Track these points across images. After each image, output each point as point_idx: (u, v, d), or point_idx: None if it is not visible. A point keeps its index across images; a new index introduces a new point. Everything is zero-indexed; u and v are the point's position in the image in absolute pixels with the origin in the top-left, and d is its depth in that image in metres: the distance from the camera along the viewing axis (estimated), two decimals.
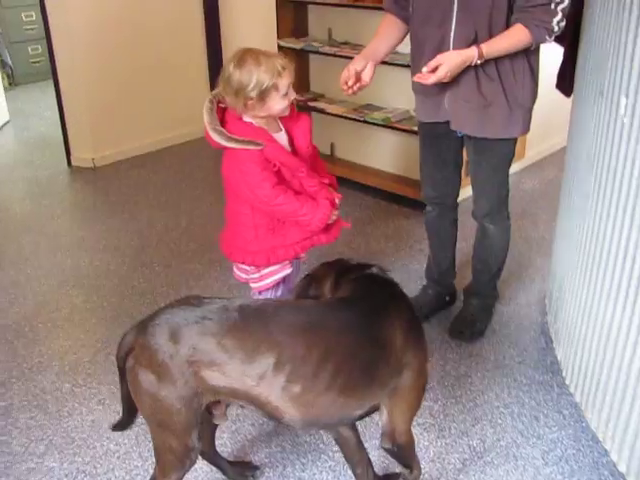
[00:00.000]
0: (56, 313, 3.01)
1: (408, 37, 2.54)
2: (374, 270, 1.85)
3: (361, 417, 1.77)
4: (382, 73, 3.93)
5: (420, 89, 2.47)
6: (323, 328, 1.66)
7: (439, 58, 2.19)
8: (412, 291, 2.93)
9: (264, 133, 2.20)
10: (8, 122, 5.77)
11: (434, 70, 2.19)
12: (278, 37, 4.15)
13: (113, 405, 2.44)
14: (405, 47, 3.73)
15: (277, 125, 2.29)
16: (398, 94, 3.95)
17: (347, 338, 1.65)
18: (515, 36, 2.21)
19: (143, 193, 4.28)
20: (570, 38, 2.76)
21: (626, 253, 1.90)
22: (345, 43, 4.08)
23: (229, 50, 5.04)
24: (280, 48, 4.13)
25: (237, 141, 2.14)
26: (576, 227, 2.33)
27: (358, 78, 2.38)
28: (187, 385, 1.61)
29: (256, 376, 1.59)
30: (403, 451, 1.82)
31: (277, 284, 2.45)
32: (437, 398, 2.44)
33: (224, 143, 2.15)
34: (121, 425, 1.84)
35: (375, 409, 1.74)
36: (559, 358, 2.53)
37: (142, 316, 2.89)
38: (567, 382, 2.41)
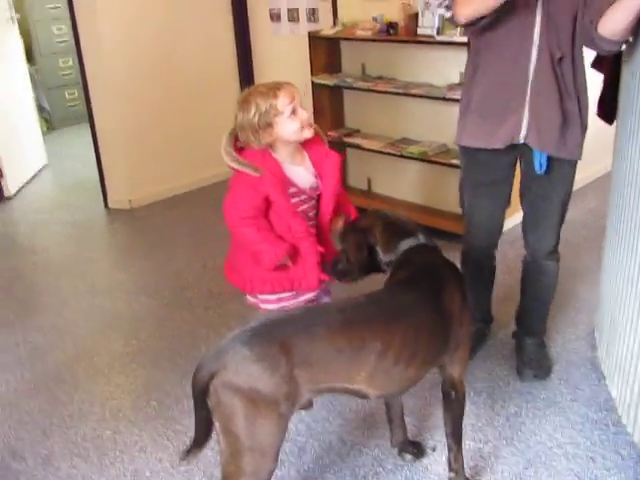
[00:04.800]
0: (96, 358, 3.00)
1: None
2: (421, 239, 2.04)
3: None
4: (417, 107, 3.95)
5: (491, 109, 2.31)
6: (410, 312, 1.82)
7: None
8: None
9: (273, 164, 2.19)
10: (46, 166, 5.86)
11: None
12: (312, 74, 4.15)
13: (155, 453, 2.40)
14: (440, 80, 3.76)
15: (303, 158, 2.28)
16: (433, 127, 3.93)
17: (427, 316, 1.84)
18: None
19: (180, 233, 4.29)
20: (610, 64, 2.72)
21: None
22: (379, 77, 4.06)
23: None
24: (314, 85, 4.14)
25: (238, 162, 2.17)
26: (626, 259, 2.25)
27: None
28: (288, 398, 1.63)
29: (361, 368, 1.72)
30: (460, 400, 2.03)
31: None
32: (487, 439, 2.36)
33: (227, 161, 2.18)
34: (193, 453, 1.77)
35: None
36: (613, 395, 2.42)
37: (182, 360, 2.95)
38: (624, 421, 2.31)
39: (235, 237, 2.29)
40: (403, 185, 4.22)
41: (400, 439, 2.27)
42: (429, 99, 3.75)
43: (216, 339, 3.05)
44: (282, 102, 2.14)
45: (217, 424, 1.64)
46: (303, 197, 2.26)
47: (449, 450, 2.10)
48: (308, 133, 2.21)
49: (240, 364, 1.60)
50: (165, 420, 2.56)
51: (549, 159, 2.33)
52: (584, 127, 2.32)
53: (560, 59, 2.18)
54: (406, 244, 2.04)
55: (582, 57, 2.26)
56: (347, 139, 4.22)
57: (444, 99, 3.58)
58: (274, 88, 2.16)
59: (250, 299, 2.48)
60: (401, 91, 3.76)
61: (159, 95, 4.66)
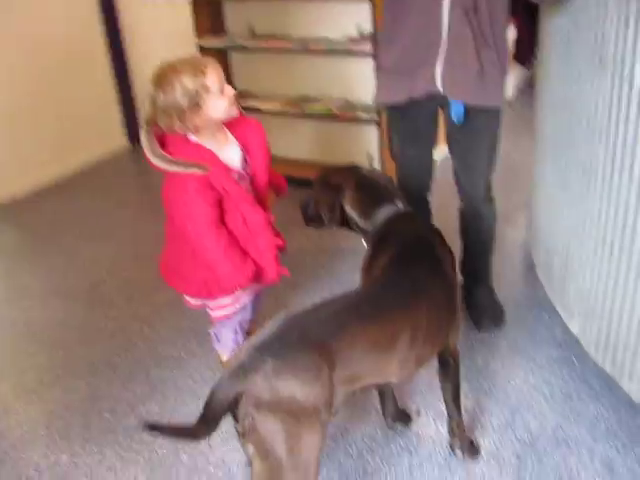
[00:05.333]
0: (22, 376, 2.67)
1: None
2: (400, 206, 1.98)
3: None
4: (313, 63, 3.81)
5: (399, 63, 2.31)
6: (426, 290, 1.75)
7: None
8: None
9: (211, 155, 2.00)
10: None
11: None
12: (197, 37, 3.88)
13: (126, 469, 2.18)
14: (337, 33, 3.65)
15: (226, 137, 2.10)
16: (332, 83, 3.83)
17: (440, 290, 1.80)
18: None
19: (74, 224, 3.91)
20: (523, 12, 2.76)
21: None
22: (271, 36, 3.87)
23: (138, 58, 4.70)
24: (201, 49, 3.87)
25: (180, 164, 1.95)
26: (583, 195, 2.30)
27: None
28: (328, 404, 1.51)
29: (394, 358, 1.65)
30: (457, 367, 2.00)
31: (244, 307, 2.29)
32: (466, 394, 2.34)
33: (166, 167, 1.95)
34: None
35: None
36: (575, 332, 2.49)
37: (122, 361, 2.70)
38: (592, 355, 2.37)
39: (197, 250, 2.07)
40: (304, 145, 4.10)
41: (392, 410, 2.21)
42: (326, 54, 3.64)
43: (152, 332, 2.83)
44: (211, 79, 1.93)
45: (251, 449, 1.48)
46: (239, 178, 2.09)
47: (450, 418, 2.08)
48: (235, 110, 2.04)
49: (274, 379, 1.44)
50: (125, 431, 2.34)
51: (468, 109, 2.33)
52: (503, 75, 2.33)
53: (475, 10, 2.16)
54: (384, 213, 1.96)
55: (502, 5, 2.24)
56: (240, 102, 4.00)
57: (347, 52, 3.49)
58: (199, 65, 1.94)
59: (192, 302, 2.29)
60: (300, 48, 3.61)
61: (25, 76, 4.17)
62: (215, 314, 2.28)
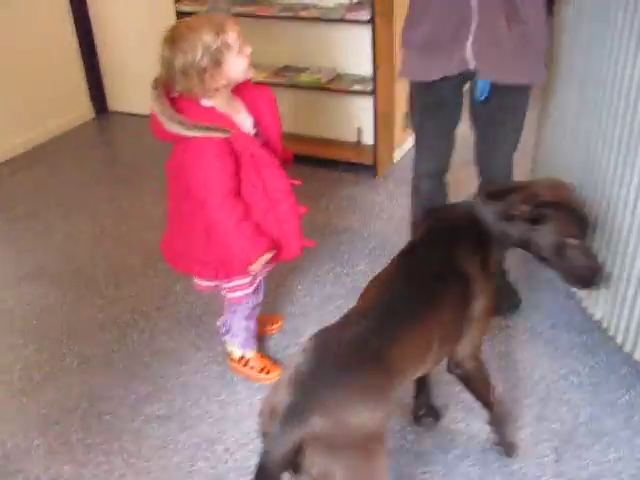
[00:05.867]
0: (8, 374, 2.44)
1: None
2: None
3: None
4: (301, 30, 3.59)
5: (429, 40, 2.18)
6: (446, 284, 1.64)
7: None
8: None
9: (229, 120, 1.90)
10: None
11: None
12: (176, 1, 3.60)
13: (139, 478, 2.01)
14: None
15: (239, 105, 2.00)
16: (319, 52, 3.62)
17: (453, 290, 1.67)
18: None
19: (44, 200, 3.60)
20: None
21: None
22: (254, 1, 3.62)
23: (105, 25, 4.34)
24: (180, 14, 3.59)
25: (202, 129, 1.83)
26: (612, 179, 2.20)
27: None
28: (388, 423, 1.39)
29: (429, 358, 1.56)
30: (473, 378, 1.85)
31: (257, 288, 2.22)
32: (495, 383, 2.25)
33: (186, 132, 1.83)
34: None
35: None
36: (597, 317, 2.40)
37: (118, 356, 2.50)
38: (618, 341, 2.28)
39: (211, 223, 1.95)
40: (290, 118, 3.89)
41: (426, 402, 2.11)
42: (313, 21, 3.43)
43: (147, 324, 2.63)
44: (232, 36, 1.84)
45: None
46: None
47: (488, 412, 1.99)
48: (252, 71, 1.95)
49: (339, 411, 1.27)
50: (132, 436, 2.16)
51: (496, 85, 2.21)
52: (540, 51, 2.21)
53: None
54: None
55: None
56: None
57: (330, 21, 3.29)
58: (218, 22, 1.84)
59: (204, 284, 2.17)
60: (290, 14, 3.39)
61: None
62: (231, 295, 2.17)
